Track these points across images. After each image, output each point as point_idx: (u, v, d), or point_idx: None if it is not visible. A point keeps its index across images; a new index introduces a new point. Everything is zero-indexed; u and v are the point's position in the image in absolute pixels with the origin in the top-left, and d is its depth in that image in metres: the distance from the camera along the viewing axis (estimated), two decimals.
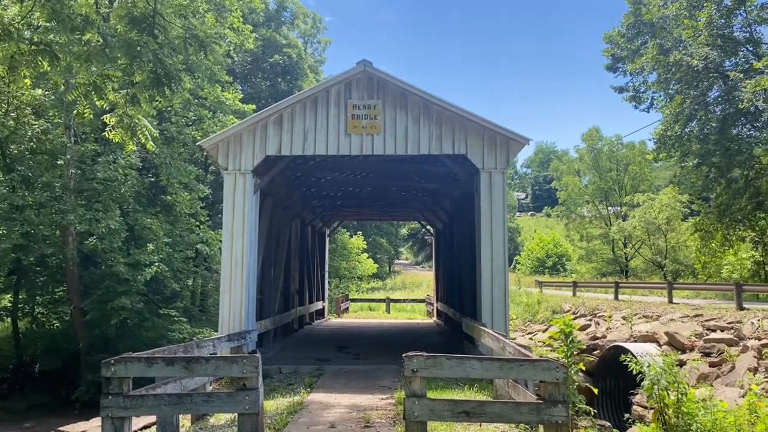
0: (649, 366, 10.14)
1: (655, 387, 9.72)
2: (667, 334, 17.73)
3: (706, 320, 18.78)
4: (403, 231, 75.34)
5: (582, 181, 55.32)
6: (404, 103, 12.81)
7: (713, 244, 32.52)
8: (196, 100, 29.07)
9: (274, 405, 9.20)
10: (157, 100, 11.00)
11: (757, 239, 30.68)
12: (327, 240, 29.21)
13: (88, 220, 22.85)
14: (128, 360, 6.62)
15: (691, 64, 27.90)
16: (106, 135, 11.08)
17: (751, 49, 29.08)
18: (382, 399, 9.49)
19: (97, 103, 10.70)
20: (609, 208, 53.69)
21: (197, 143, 14.05)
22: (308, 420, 8.16)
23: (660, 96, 36.36)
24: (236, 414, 6.67)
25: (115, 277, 23.84)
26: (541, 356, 6.92)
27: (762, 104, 26.53)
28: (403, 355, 6.50)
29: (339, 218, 28.73)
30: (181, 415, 8.02)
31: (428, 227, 30.50)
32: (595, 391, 9.49)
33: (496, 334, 9.15)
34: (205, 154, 27.60)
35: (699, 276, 38.13)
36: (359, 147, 12.76)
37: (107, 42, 10.11)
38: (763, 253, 31.35)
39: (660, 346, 17.45)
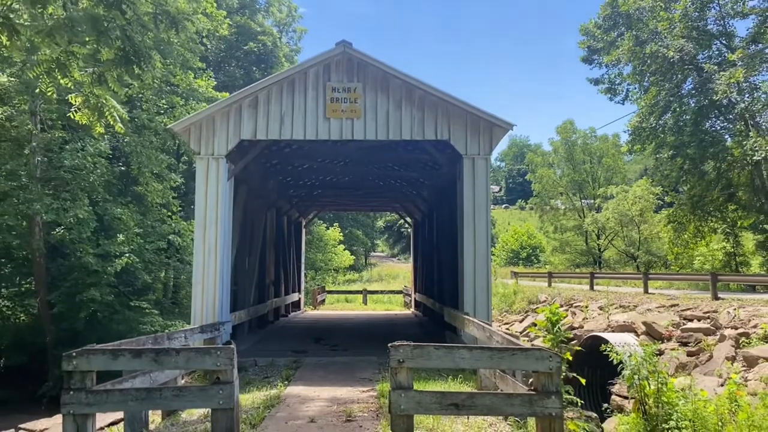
0: (630, 356, 10.00)
1: (636, 377, 9.57)
2: (644, 323, 17.73)
3: (683, 310, 18.88)
4: (380, 223, 75.05)
5: (556, 173, 55.56)
6: (386, 87, 12.40)
7: (686, 236, 32.93)
8: (168, 87, 28.28)
9: (249, 399, 8.77)
10: (126, 80, 10.39)
11: (728, 231, 31.11)
12: (303, 231, 28.70)
13: (54, 210, 22.08)
14: (91, 352, 6.13)
15: (667, 56, 28.10)
16: (72, 116, 10.45)
17: (724, 42, 29.42)
18: (364, 391, 9.12)
19: (61, 81, 10.07)
20: (583, 200, 54.06)
21: (168, 126, 13.45)
22: (286, 414, 7.75)
23: (635, 88, 36.55)
24: (210, 409, 6.23)
25: (84, 269, 23.16)
26: (533, 345, 6.63)
27: (736, 96, 26.86)
28: (389, 345, 6.13)
29: (316, 208, 28.22)
30: (151, 411, 7.55)
31: (406, 218, 30.17)
32: (583, 381, 9.24)
33: (481, 323, 8.84)
34: (177, 142, 26.89)
35: (672, 267, 38.67)
36: (339, 131, 12.33)
37: (72, 16, 9.49)
38: (734, 245, 31.85)
39: (638, 335, 17.44)
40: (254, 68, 40.32)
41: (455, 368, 8.15)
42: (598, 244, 50.70)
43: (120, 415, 8.12)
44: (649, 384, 9.84)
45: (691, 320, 17.75)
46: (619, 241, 47.55)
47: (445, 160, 13.62)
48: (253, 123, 12.35)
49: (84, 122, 10.48)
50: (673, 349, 15.43)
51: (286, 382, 9.99)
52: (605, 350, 10.79)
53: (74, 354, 6.10)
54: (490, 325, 9.11)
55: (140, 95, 26.77)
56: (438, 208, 18.18)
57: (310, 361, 11.79)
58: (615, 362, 10.07)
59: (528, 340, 21.84)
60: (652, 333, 17.30)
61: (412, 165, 18.16)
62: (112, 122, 10.34)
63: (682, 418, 9.07)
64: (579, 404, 9.34)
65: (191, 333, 9.89)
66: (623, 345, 16.03)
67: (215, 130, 12.30)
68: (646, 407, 9.56)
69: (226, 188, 12.44)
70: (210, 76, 31.66)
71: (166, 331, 22.19)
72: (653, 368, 9.82)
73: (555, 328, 9.29)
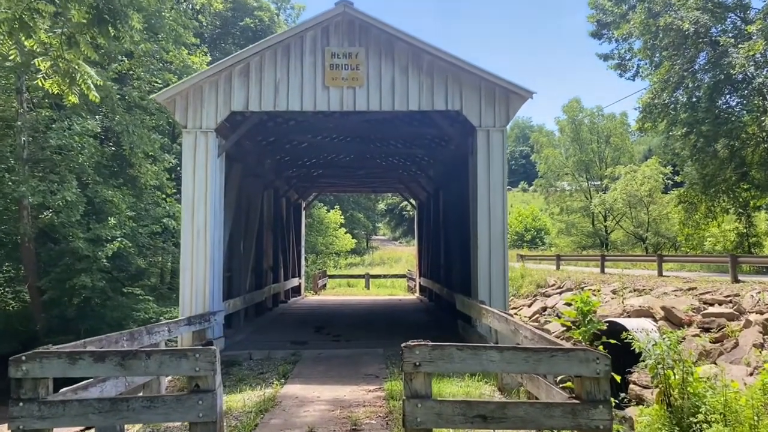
0: (655, 344, 9.18)
1: (659, 366, 8.76)
2: (663, 308, 16.85)
3: (701, 294, 18.07)
4: (381, 206, 73.97)
5: (563, 153, 54.35)
6: (390, 51, 11.20)
7: (696, 216, 32.12)
8: (161, 64, 27.02)
9: (241, 401, 7.74)
10: (100, 42, 9.24)
11: (740, 211, 30.19)
12: (303, 213, 27.60)
13: (41, 192, 21.02)
14: (45, 356, 5.06)
15: (682, 28, 26.93)
16: (40, 83, 9.30)
17: (739, 14, 28.25)
18: (369, 391, 8.08)
19: (26, 44, 8.93)
20: (590, 181, 52.92)
21: (151, 97, 12.29)
22: (282, 421, 6.71)
23: (645, 64, 35.38)
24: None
25: (75, 254, 22.21)
26: (575, 342, 5.57)
27: (753, 70, 25.80)
28: (403, 345, 5.07)
29: (316, 190, 27.08)
30: None
31: (410, 200, 29.07)
32: (618, 378, 8.23)
33: (502, 314, 7.77)
34: (171, 121, 25.71)
35: (682, 248, 37.88)
36: (339, 101, 11.15)
37: None
38: (746, 225, 30.92)
39: (656, 321, 16.59)
40: (251, 45, 38.80)
41: (482, 372, 7.06)
42: (605, 226, 49.66)
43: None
44: (674, 374, 9.12)
45: (711, 304, 16.93)
46: (628, 222, 46.51)
47: (456, 133, 12.45)
48: (244, 93, 11.19)
49: (55, 91, 9.35)
50: (695, 336, 14.60)
51: (282, 380, 8.97)
52: (626, 338, 9.97)
53: (24, 358, 5.04)
54: (512, 316, 8.04)
55: (131, 72, 25.58)
56: (445, 187, 17.06)
57: (309, 355, 10.75)
58: (637, 350, 9.21)
59: (539, 325, 20.92)
60: (672, 318, 16.46)
61: (417, 141, 17.00)
62: (85, 90, 9.19)
63: (712, 411, 8.17)
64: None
65: (176, 326, 8.85)
66: (641, 331, 15.19)
67: (203, 101, 11.15)
68: (671, 399, 8.68)
69: (216, 165, 11.32)
70: (204, 52, 30.38)
71: (161, 319, 21.28)
72: (678, 357, 9.16)
73: (587, 319, 8.24)
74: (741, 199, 29.73)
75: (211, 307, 11.02)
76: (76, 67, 9.04)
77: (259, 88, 11.16)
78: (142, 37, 25.46)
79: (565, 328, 19.50)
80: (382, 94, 11.10)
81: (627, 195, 44.04)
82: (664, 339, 9.94)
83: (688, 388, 8.90)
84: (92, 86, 9.23)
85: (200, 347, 5.11)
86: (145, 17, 24.94)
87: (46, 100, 23.24)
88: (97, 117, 25.19)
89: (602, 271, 26.39)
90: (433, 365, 5.06)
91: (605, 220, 49.49)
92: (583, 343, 8.46)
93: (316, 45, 11.15)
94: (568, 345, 5.70)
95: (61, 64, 8.98)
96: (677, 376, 9.11)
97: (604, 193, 48.23)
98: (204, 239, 11.06)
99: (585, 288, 23.31)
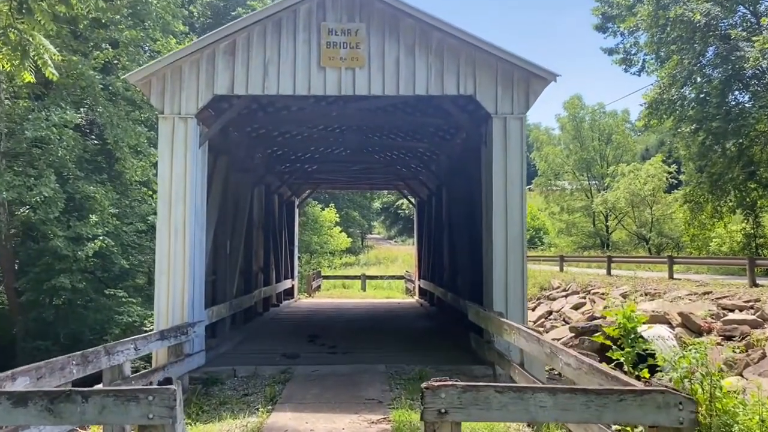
0: (682, 357, 8.07)
1: (686, 381, 7.72)
2: (680, 314, 15.75)
3: (718, 298, 17.05)
4: (376, 204, 72.73)
5: (563, 151, 53.21)
6: (395, 28, 9.86)
7: (702, 217, 31.26)
8: (148, 54, 25.66)
9: None
10: (59, 10, 7.91)
11: (747, 211, 29.31)
12: (297, 211, 26.26)
13: (17, 188, 19.67)
14: None
15: (693, 20, 25.94)
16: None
17: (749, 8, 27.39)
18: (372, 423, 6.78)
19: None
20: (591, 180, 51.85)
21: (123, 77, 10.95)
22: None
23: (651, 58, 34.39)
24: None
25: (54, 254, 20.92)
26: (647, 381, 4.29)
27: (766, 64, 24.85)
28: (423, 386, 3.80)
29: (310, 187, 25.72)
30: None
31: (409, 198, 27.78)
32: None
33: (533, 333, 6.50)
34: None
35: (687, 249, 37.06)
36: (336, 84, 9.81)
37: None
38: (753, 226, 30.02)
39: (673, 328, 15.48)
40: (237, 19, 37.34)
41: (528, 421, 5.75)
42: (607, 226, 48.56)
43: None
44: (702, 388, 8.12)
45: (731, 310, 15.88)
46: (630, 222, 45.43)
47: (466, 121, 11.14)
48: (229, 74, 9.85)
49: (6, 67, 8.03)
50: (717, 344, 13.53)
51: (270, 404, 7.66)
52: (648, 350, 8.94)
53: None
54: (541, 334, 6.77)
55: (116, 61, 24.22)
56: (450, 183, 15.76)
57: (302, 372, 9.43)
58: (661, 361, 8.09)
59: (544, 331, 19.68)
60: (690, 325, 15.37)
61: (420, 133, 15.69)
62: (41, 66, 7.88)
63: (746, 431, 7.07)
64: None
65: (145, 342, 7.53)
66: (657, 338, 14.10)
67: (182, 83, 9.81)
68: (698, 416, 7.59)
69: (197, 156, 9.98)
70: (193, 41, 28.96)
71: (149, 323, 20.01)
72: (705, 369, 8.17)
73: (630, 339, 6.99)
74: (748, 199, 28.86)
75: (191, 317, 9.70)
76: (30, 38, 7.70)
77: (246, 69, 9.83)
78: (127, 24, 24.17)
79: (572, 335, 18.37)
80: (385, 77, 9.78)
81: (630, 194, 42.99)
82: (690, 350, 9.03)
83: (717, 404, 8.02)
84: (49, 61, 7.91)
85: (156, 387, 3.84)
86: (130, 3, 23.62)
87: (25, 91, 21.99)
88: (81, 110, 23.91)
89: (608, 273, 25.44)
90: (464, 412, 3.80)
91: (606, 220, 48.40)
92: (625, 366, 7.22)
93: (311, 20, 9.81)
94: (636, 383, 4.40)
95: (11, 35, 7.65)
96: (706, 392, 8.23)
97: (606, 192, 47.16)
98: (183, 240, 9.74)
99: (592, 291, 22.16)
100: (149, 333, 7.90)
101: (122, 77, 10.63)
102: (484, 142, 10.33)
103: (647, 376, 7.40)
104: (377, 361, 9.98)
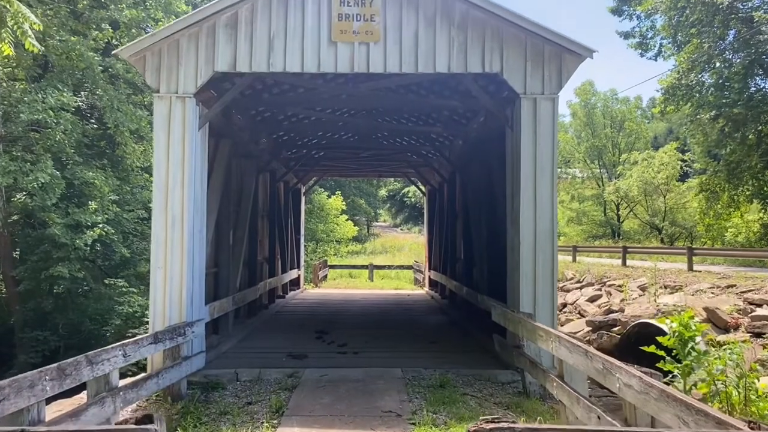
0: (717, 357, 7.33)
1: (719, 383, 7.01)
2: (706, 309, 14.96)
3: (743, 292, 16.26)
4: (382, 192, 71.88)
5: (574, 138, 52.14)
6: None
7: (718, 206, 30.52)
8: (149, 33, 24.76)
9: None
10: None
11: (765, 200, 28.49)
12: (303, 199, 25.41)
13: (12, 173, 18.94)
14: None
15: (716, 1, 24.99)
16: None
17: None
18: None
19: None
20: (602, 168, 50.84)
21: (114, 52, 10.06)
22: None
23: (668, 43, 33.33)
24: None
25: (52, 241, 20.28)
26: (753, 423, 3.47)
27: None
28: (471, 430, 2.96)
29: (316, 174, 24.84)
30: None
31: (419, 185, 26.88)
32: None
33: (578, 343, 5.64)
34: None
35: (702, 239, 36.40)
36: (349, 61, 8.90)
37: None
38: None
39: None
40: None
41: None
42: (618, 215, 47.59)
43: None
44: (737, 391, 7.45)
45: (759, 305, 15.11)
46: (642, 211, 44.45)
47: (490, 103, 10.21)
48: (231, 49, 8.95)
49: None
50: (744, 341, 12.73)
51: (276, 417, 6.85)
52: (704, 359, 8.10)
53: None
54: (588, 346, 5.95)
55: (116, 42, 23.35)
56: (466, 170, 14.85)
57: (310, 377, 8.61)
58: (694, 362, 7.29)
59: (558, 324, 18.88)
60: (716, 321, 14.59)
61: (435, 116, 14.77)
62: (20, 36, 7.02)
63: None
64: None
65: (136, 347, 6.71)
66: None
67: (180, 59, 8.91)
68: None
69: (196, 139, 9.11)
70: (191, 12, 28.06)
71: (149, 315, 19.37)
72: (740, 371, 7.49)
73: (687, 349, 6.13)
74: (766, 188, 28.04)
75: (190, 315, 8.89)
76: (7, 5, 6.84)
77: (249, 44, 8.92)
78: (128, 3, 23.29)
79: (589, 329, 17.53)
80: (402, 52, 8.84)
81: (643, 182, 42.00)
82: (726, 350, 8.48)
83: (752, 408, 7.40)
84: (29, 32, 7.05)
85: (133, 428, 3.03)
86: None
87: (22, 72, 21.24)
88: (82, 93, 23.12)
89: (624, 264, 24.72)
90: None
91: (618, 209, 47.42)
92: (682, 383, 6.37)
93: None
94: (736, 422, 3.53)
95: None
96: (740, 394, 7.57)
97: (618, 180, 46.16)
98: (181, 230, 8.90)
99: (608, 283, 21.34)
100: (141, 336, 7.09)
101: (114, 52, 9.70)
102: (510, 126, 9.42)
103: (704, 390, 6.58)
104: (392, 364, 9.16)
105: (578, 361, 5.51)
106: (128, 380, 7.03)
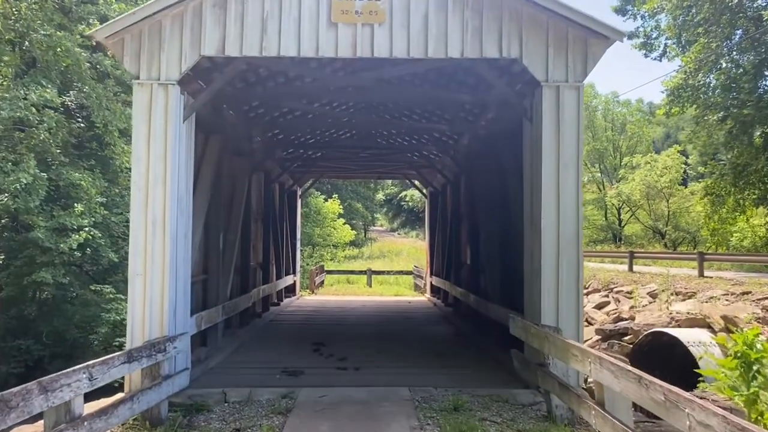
0: (755, 373, 6.40)
1: (754, 398, 6.07)
2: (724, 318, 14.15)
3: (760, 299, 15.49)
4: (380, 196, 71.05)
5: None
6: None
7: (723, 211, 29.91)
8: None
9: None
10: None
11: None
12: (299, 202, 24.46)
13: None
14: None
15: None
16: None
17: None
18: None
19: None
20: (602, 173, 50.20)
21: (87, 33, 9.10)
22: None
23: (673, 43, 32.70)
24: None
25: (36, 245, 19.37)
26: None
27: None
28: None
29: (313, 175, 23.90)
30: None
31: (420, 188, 25.96)
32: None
33: (626, 367, 4.71)
34: None
35: (706, 244, 35.78)
36: (350, 44, 7.97)
37: None
38: None
39: (714, 332, 13.86)
40: None
41: None
42: (620, 219, 46.86)
43: None
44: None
45: None
46: (645, 215, 43.73)
47: (506, 93, 9.30)
48: (220, 31, 8.01)
49: None
50: None
51: None
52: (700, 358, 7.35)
53: None
54: (629, 365, 5.03)
55: None
56: (474, 169, 13.94)
57: (307, 397, 7.64)
58: (721, 375, 6.40)
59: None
60: (734, 330, 13.73)
61: (440, 112, 13.86)
62: None
63: None
64: None
65: (105, 368, 5.75)
66: (698, 345, 12.67)
67: (162, 42, 7.97)
68: None
69: (180, 131, 8.16)
70: None
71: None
72: None
73: (752, 373, 5.21)
74: None
75: (172, 328, 7.93)
76: None
77: (240, 25, 7.98)
78: None
79: (599, 338, 16.66)
80: (410, 35, 7.92)
81: (646, 186, 41.30)
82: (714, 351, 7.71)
83: None
84: None
85: None
86: None
87: (5, 68, 20.28)
88: (71, 92, 22.20)
89: (630, 270, 24.06)
90: None
91: (619, 213, 46.69)
92: (747, 412, 5.43)
93: None
94: None
95: None
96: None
97: (619, 183, 45.45)
98: (162, 233, 7.94)
99: (615, 289, 20.53)
100: (112, 355, 6.13)
101: (88, 33, 8.75)
102: (529, 118, 8.50)
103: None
104: (398, 382, 8.20)
105: (628, 389, 4.58)
106: (96, 406, 6.07)
